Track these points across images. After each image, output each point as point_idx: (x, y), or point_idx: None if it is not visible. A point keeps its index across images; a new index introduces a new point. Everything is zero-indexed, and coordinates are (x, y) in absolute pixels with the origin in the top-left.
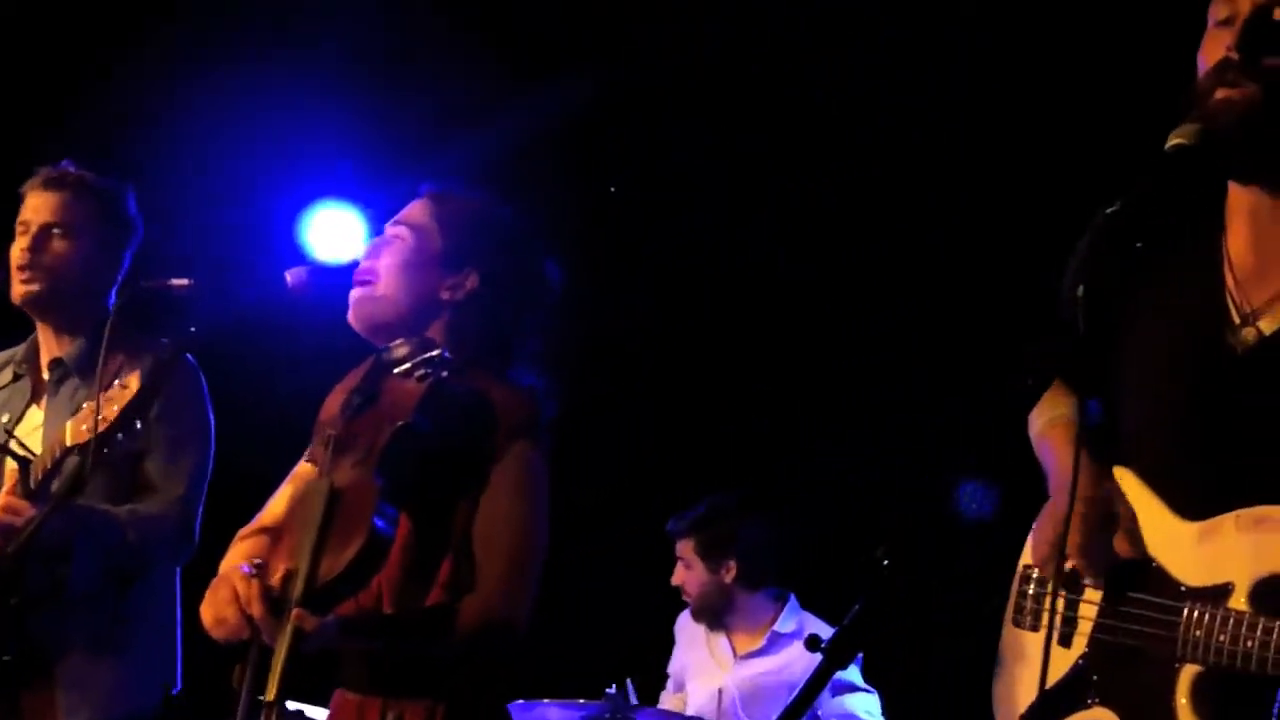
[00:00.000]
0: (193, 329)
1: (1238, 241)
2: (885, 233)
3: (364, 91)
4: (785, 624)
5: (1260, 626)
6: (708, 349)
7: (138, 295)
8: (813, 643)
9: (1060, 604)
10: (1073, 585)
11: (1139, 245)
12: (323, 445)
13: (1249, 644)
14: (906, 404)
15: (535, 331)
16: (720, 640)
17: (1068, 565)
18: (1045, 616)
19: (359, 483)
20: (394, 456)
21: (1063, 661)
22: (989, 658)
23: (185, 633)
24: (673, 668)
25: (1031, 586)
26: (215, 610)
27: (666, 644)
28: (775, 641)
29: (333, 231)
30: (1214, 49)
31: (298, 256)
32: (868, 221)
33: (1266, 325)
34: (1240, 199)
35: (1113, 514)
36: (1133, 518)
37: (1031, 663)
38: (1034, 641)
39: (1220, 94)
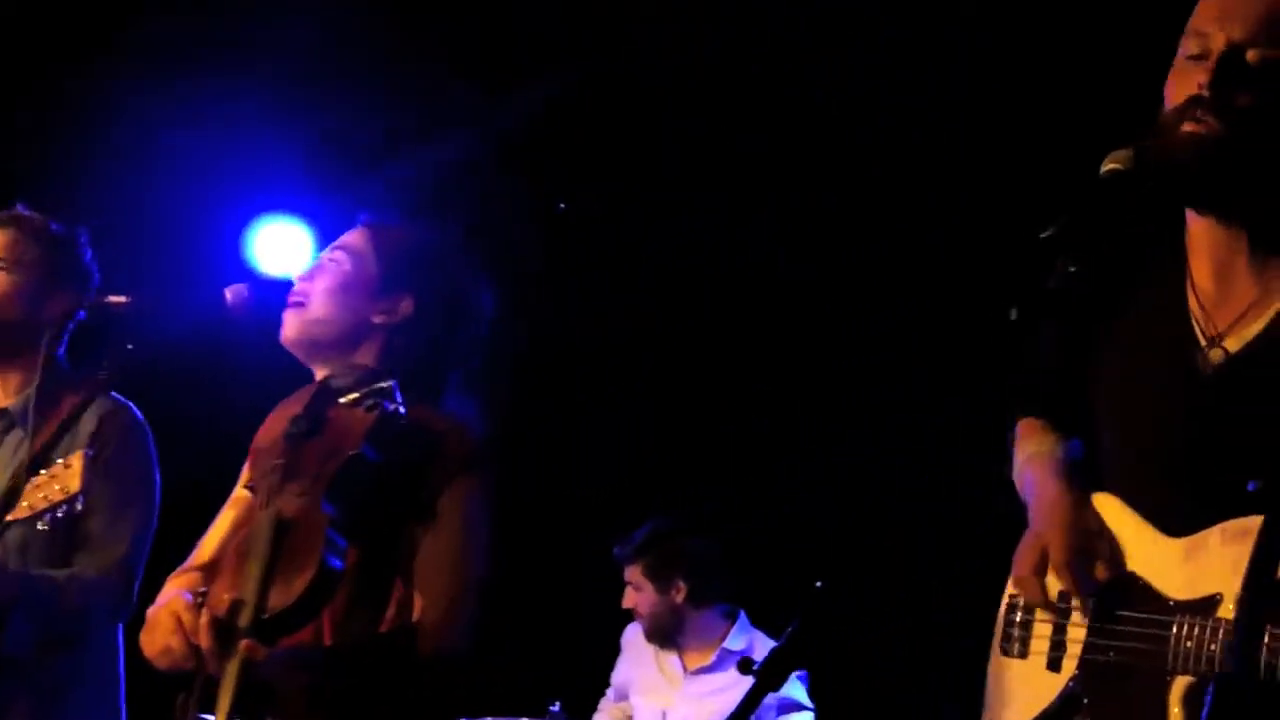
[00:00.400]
0: (130, 347)
1: (1200, 268)
2: (821, 271)
3: (311, 105)
4: (735, 641)
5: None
6: (649, 369)
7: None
8: (745, 665)
9: (1048, 629)
10: (1060, 610)
11: (1073, 269)
12: (265, 473)
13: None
14: (851, 421)
15: (469, 357)
16: (670, 657)
17: (1057, 587)
18: (1034, 644)
19: (306, 512)
20: (344, 486)
21: (1053, 686)
22: (933, 674)
23: (130, 687)
24: (616, 678)
25: (1018, 614)
26: (160, 640)
27: (611, 657)
28: (725, 658)
29: (280, 246)
30: (1183, 82)
31: (244, 271)
32: (814, 252)
33: (1232, 345)
34: (1200, 228)
35: (1094, 536)
36: (1113, 541)
37: (1021, 691)
38: (1022, 669)
39: (1187, 128)
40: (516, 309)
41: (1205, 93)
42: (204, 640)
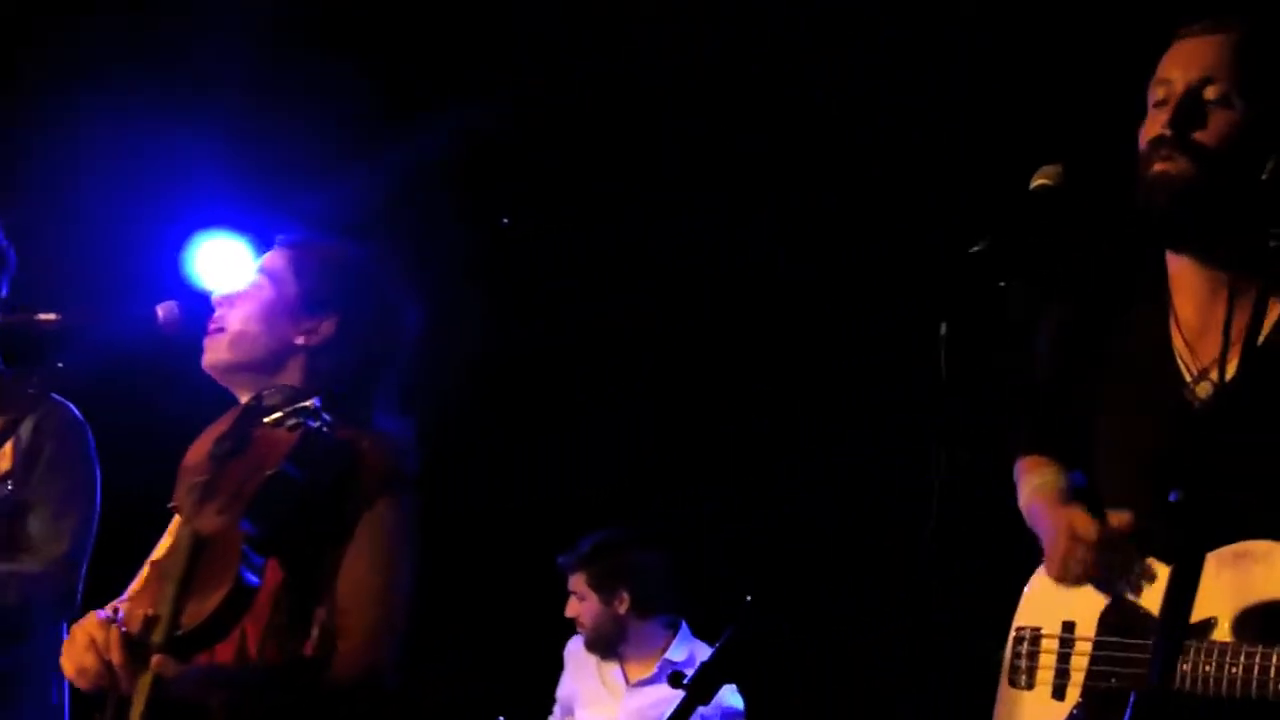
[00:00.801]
0: (60, 365)
1: (1184, 306)
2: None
3: (252, 119)
4: (677, 652)
5: (1244, 653)
6: (595, 380)
7: (2, 330)
8: (675, 679)
9: (1052, 659)
10: (1064, 639)
11: (1003, 284)
12: (186, 491)
13: (1234, 670)
14: (799, 435)
15: (395, 375)
16: (613, 669)
17: (1062, 617)
18: (1040, 674)
19: (224, 530)
20: (264, 504)
21: (1058, 714)
22: (867, 688)
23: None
24: (561, 693)
25: (1025, 646)
26: (75, 659)
27: (555, 671)
28: (667, 669)
29: (220, 262)
30: (1149, 128)
31: (184, 288)
32: (764, 264)
33: (1218, 375)
34: (1180, 267)
35: (1107, 555)
36: (1128, 560)
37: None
38: (1029, 699)
39: (1157, 168)
40: (453, 319)
41: (1167, 132)
42: (115, 656)
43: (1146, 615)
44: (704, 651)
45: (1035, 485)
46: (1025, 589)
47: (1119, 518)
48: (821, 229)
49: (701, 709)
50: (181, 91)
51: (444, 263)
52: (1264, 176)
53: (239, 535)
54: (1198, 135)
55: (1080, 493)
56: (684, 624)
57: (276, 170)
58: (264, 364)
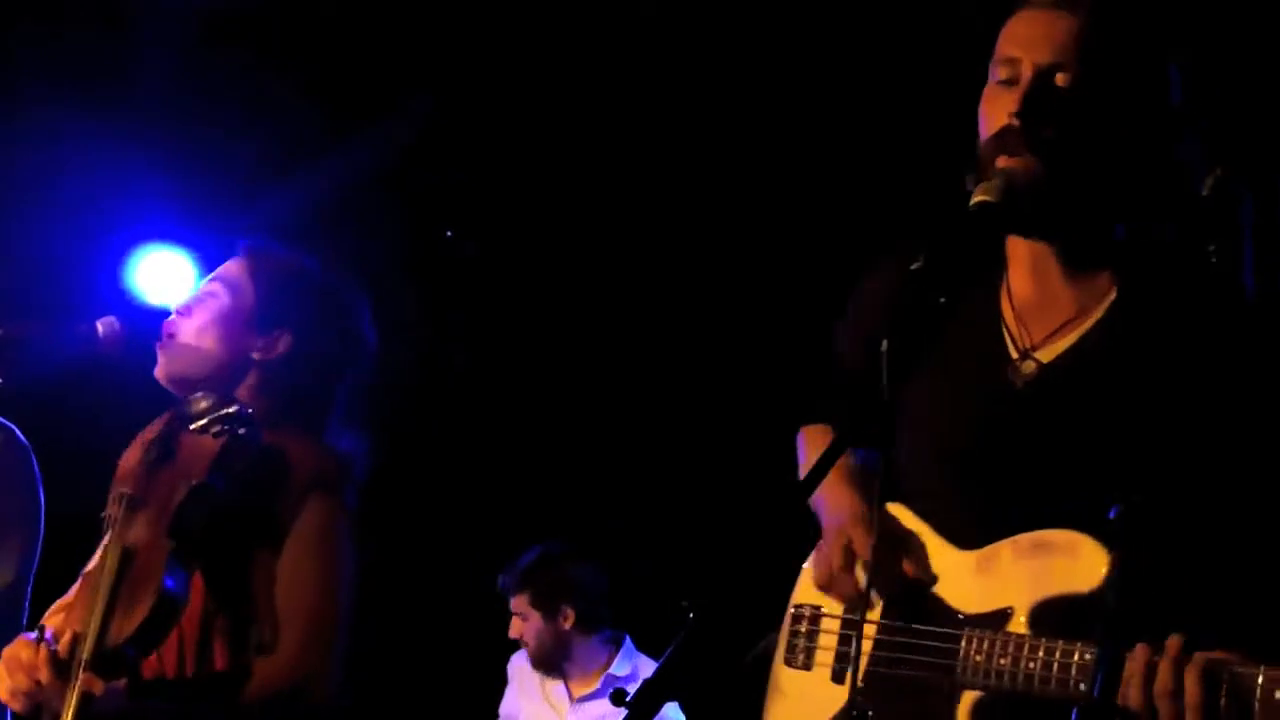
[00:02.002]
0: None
1: (1018, 281)
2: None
3: (192, 132)
4: (621, 667)
5: (1042, 648)
6: (529, 395)
7: None
8: (617, 697)
9: (833, 640)
10: (846, 621)
11: (943, 300)
12: (116, 502)
13: (1030, 665)
14: (731, 446)
15: (351, 390)
16: (556, 685)
17: (845, 597)
18: (819, 655)
19: (152, 542)
20: (187, 516)
21: (836, 698)
22: None
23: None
24: (504, 709)
25: (804, 625)
26: (8, 682)
27: (499, 688)
28: (610, 684)
29: (161, 275)
30: (994, 109)
31: (124, 300)
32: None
33: (1044, 357)
34: (1019, 244)
35: (893, 540)
36: (906, 550)
37: (804, 701)
38: (806, 680)
39: (1001, 162)
40: (395, 337)
41: (1015, 123)
42: (43, 676)
43: (935, 599)
44: (647, 666)
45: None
46: (805, 564)
47: (907, 556)
48: (760, 244)
49: None
50: (120, 105)
51: (383, 274)
52: (1204, 193)
53: (165, 548)
54: (1046, 127)
55: (867, 472)
56: (627, 639)
57: (217, 183)
58: (218, 377)
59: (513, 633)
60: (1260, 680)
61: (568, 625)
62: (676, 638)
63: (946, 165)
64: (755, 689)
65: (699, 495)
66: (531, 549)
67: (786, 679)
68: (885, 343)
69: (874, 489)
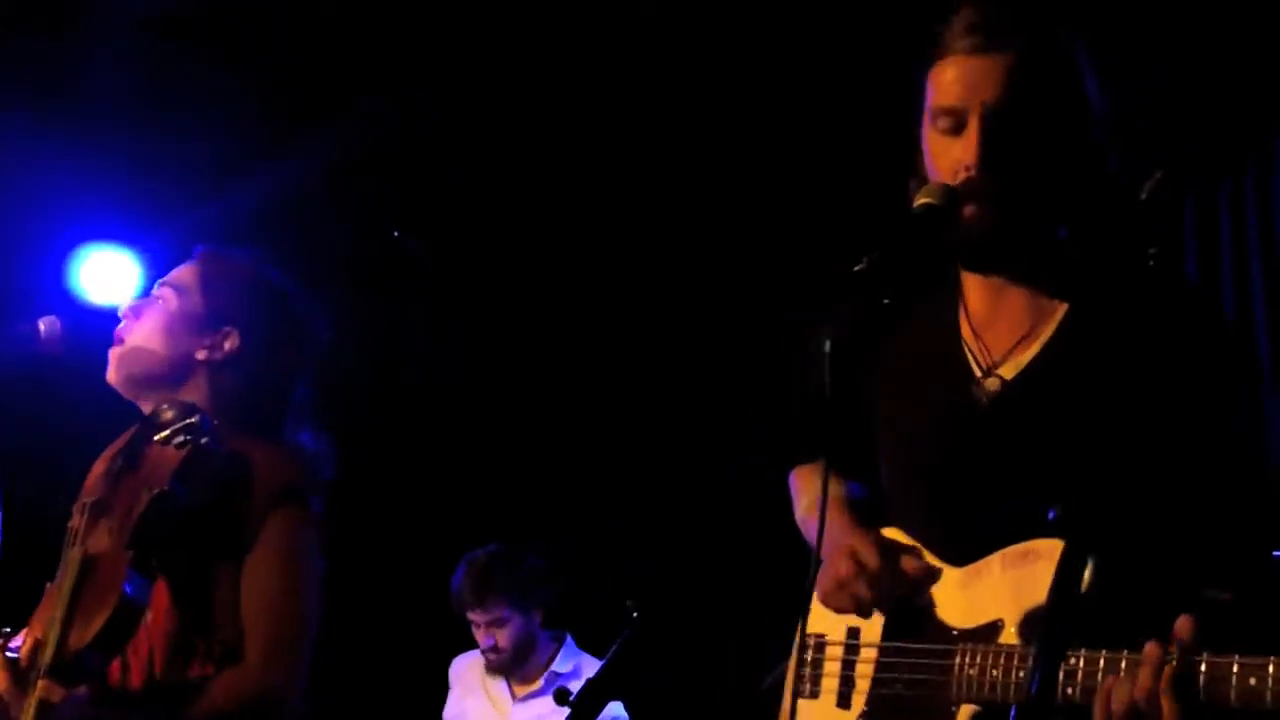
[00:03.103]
0: None
1: (973, 298)
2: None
3: (137, 132)
4: (563, 664)
5: (1031, 656)
6: (467, 397)
7: None
8: (561, 696)
9: (837, 666)
10: (849, 646)
11: (886, 301)
12: (80, 511)
13: (1021, 674)
14: (675, 446)
15: (303, 389)
16: (499, 684)
17: (848, 625)
18: (825, 682)
19: (113, 551)
20: (148, 525)
21: None
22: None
23: None
24: (448, 714)
25: (810, 654)
26: None
27: (441, 692)
28: (553, 682)
29: (105, 275)
30: (944, 156)
31: (68, 301)
32: (647, 275)
33: (1007, 373)
34: (974, 273)
35: (892, 549)
36: (913, 564)
37: None
38: (814, 708)
39: (968, 210)
40: (345, 338)
41: (974, 174)
42: (1, 683)
43: (929, 617)
44: (589, 664)
45: (812, 499)
46: (814, 594)
47: (911, 563)
48: (705, 247)
49: None
50: (64, 104)
51: (332, 274)
52: (1144, 195)
53: (126, 556)
54: (1005, 175)
55: (859, 504)
56: (569, 637)
57: (161, 183)
58: (166, 378)
59: (485, 642)
60: (1235, 669)
61: (538, 620)
62: (621, 637)
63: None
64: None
65: (641, 495)
66: (477, 555)
67: (797, 709)
68: (828, 343)
69: (866, 518)
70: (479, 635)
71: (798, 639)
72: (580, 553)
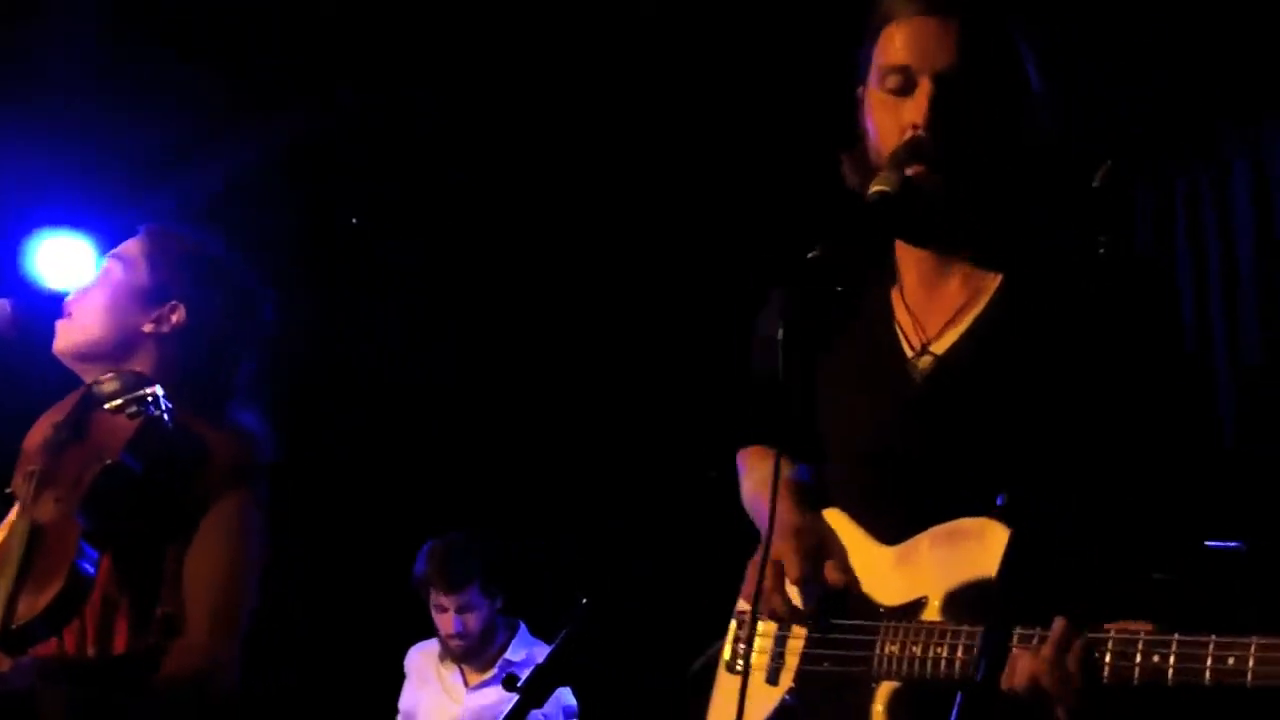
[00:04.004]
0: None
1: (909, 277)
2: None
3: (91, 116)
4: (516, 652)
5: (950, 633)
6: (418, 384)
7: None
8: (509, 682)
9: (769, 643)
10: (782, 623)
11: (840, 289)
12: (24, 479)
13: (939, 650)
14: (624, 434)
15: (248, 366)
16: (452, 672)
17: (783, 602)
18: (755, 658)
19: (61, 521)
20: (99, 496)
21: (771, 698)
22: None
23: None
24: (403, 705)
25: (743, 631)
26: None
27: (395, 680)
28: (506, 669)
29: (60, 259)
30: (890, 119)
31: (21, 285)
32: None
33: (939, 348)
34: (910, 250)
35: (822, 544)
36: (840, 554)
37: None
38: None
39: (910, 171)
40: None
41: (922, 135)
42: None
43: (859, 595)
44: (542, 651)
45: (759, 479)
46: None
47: (833, 573)
48: (656, 235)
49: (537, 710)
50: (19, 88)
51: (287, 259)
52: (1095, 184)
53: (75, 527)
54: (955, 139)
55: (806, 487)
56: (522, 625)
57: (116, 167)
58: (112, 351)
59: (449, 629)
60: (1140, 644)
61: (500, 604)
62: (570, 624)
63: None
64: (701, 698)
65: (591, 483)
66: (449, 538)
67: (728, 684)
68: (780, 330)
69: (812, 500)
70: (445, 620)
71: (733, 616)
72: (537, 542)
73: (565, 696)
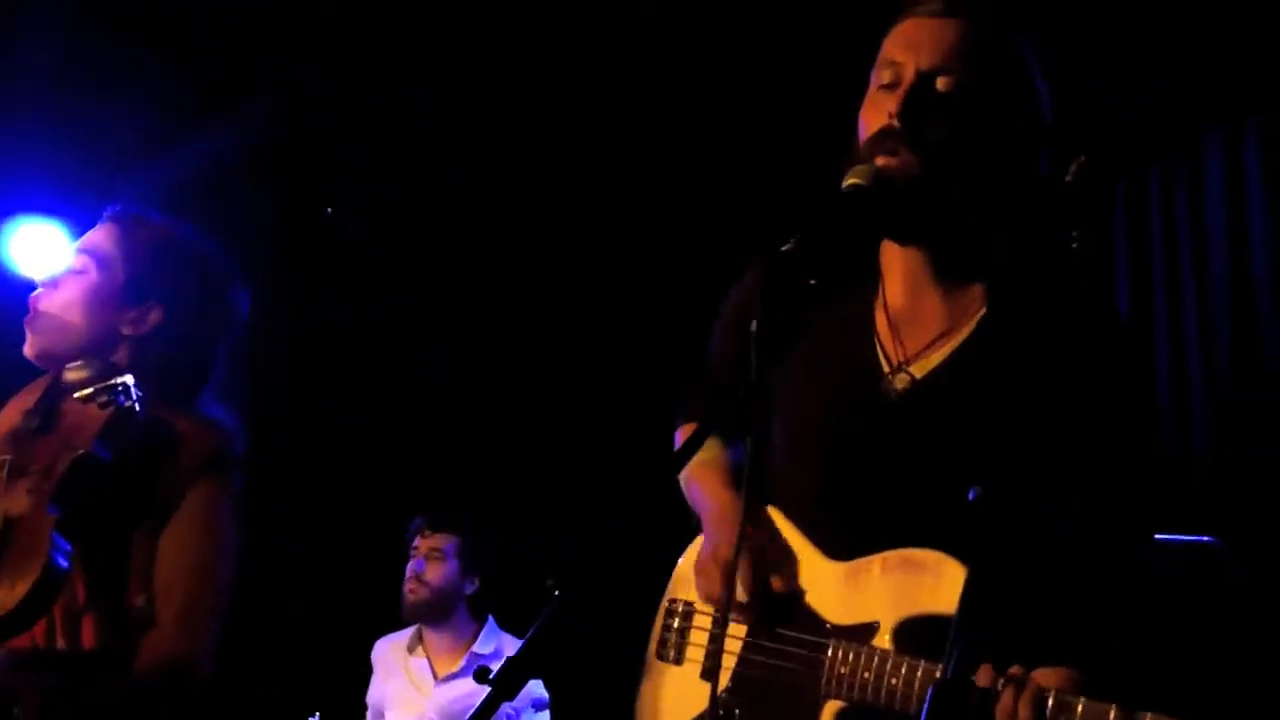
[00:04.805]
0: None
1: (894, 292)
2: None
3: (66, 104)
4: (484, 645)
5: (905, 665)
6: (392, 373)
7: None
8: (481, 675)
9: (704, 637)
10: (718, 619)
11: (812, 282)
12: None
13: (893, 681)
14: (594, 427)
15: (222, 362)
16: (420, 663)
17: (719, 595)
18: (690, 651)
19: (34, 512)
20: (73, 486)
21: (704, 694)
22: None
23: None
24: (371, 698)
25: (676, 620)
26: None
27: (364, 674)
28: (474, 662)
29: (34, 247)
30: (876, 112)
31: None
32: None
33: (917, 371)
34: (895, 254)
35: (766, 547)
36: (788, 552)
37: (673, 698)
38: (676, 675)
39: (880, 161)
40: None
41: (895, 123)
42: None
43: (804, 606)
44: (511, 644)
45: (699, 459)
46: (681, 560)
47: (778, 582)
48: (631, 226)
49: (508, 704)
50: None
51: (262, 250)
52: (1068, 179)
53: (48, 518)
54: (926, 129)
55: (740, 470)
56: (490, 618)
57: (90, 154)
58: (88, 351)
59: (414, 568)
60: (1080, 710)
61: (470, 591)
62: (541, 615)
63: (826, 169)
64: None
65: (562, 474)
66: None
67: (657, 671)
68: (754, 323)
69: (749, 488)
70: (411, 563)
71: (663, 602)
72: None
73: (536, 689)
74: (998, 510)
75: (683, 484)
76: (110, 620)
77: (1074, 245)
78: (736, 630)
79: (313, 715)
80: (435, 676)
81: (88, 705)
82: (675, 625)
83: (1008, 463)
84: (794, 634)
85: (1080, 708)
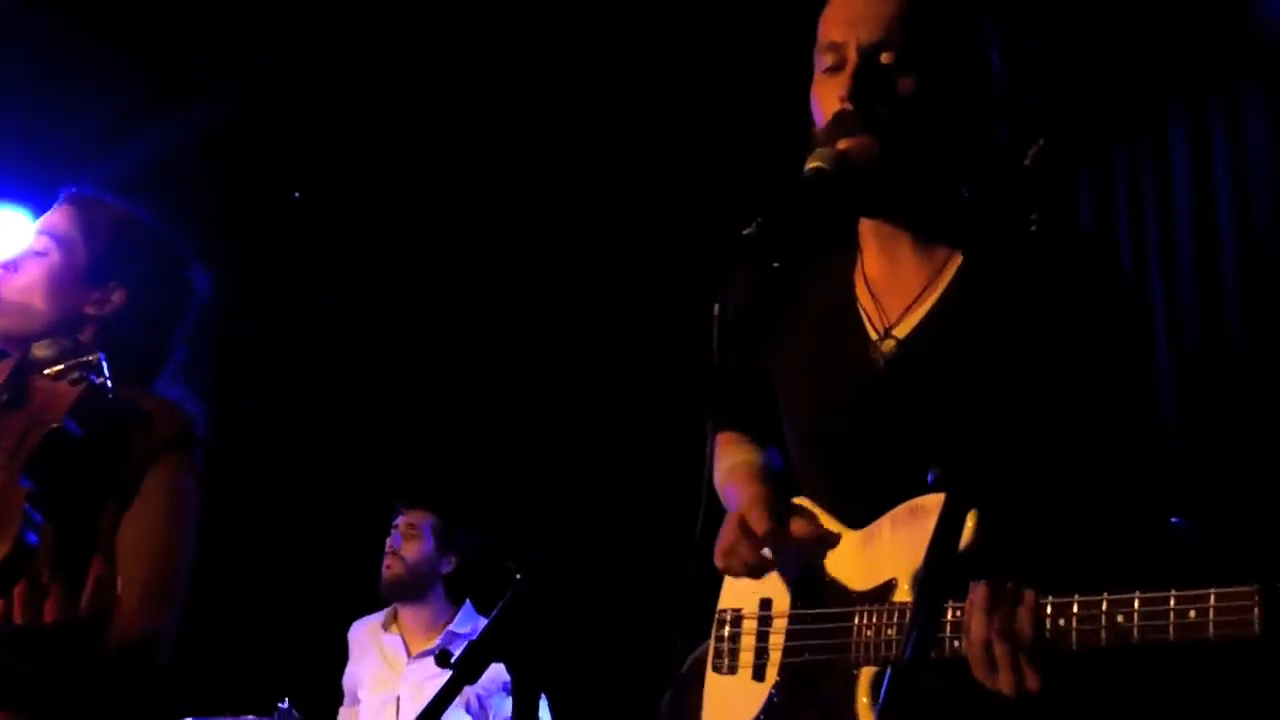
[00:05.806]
0: None
1: (871, 261)
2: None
3: (28, 90)
4: (461, 625)
5: (907, 619)
6: (364, 360)
7: None
8: (443, 658)
9: (752, 640)
10: (762, 618)
11: (776, 265)
12: None
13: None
14: (564, 413)
15: (182, 343)
16: (394, 640)
17: (759, 596)
18: (742, 656)
19: (6, 486)
20: (45, 460)
21: (759, 695)
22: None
23: None
24: (346, 681)
25: (727, 629)
26: None
27: (340, 657)
28: (451, 641)
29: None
30: (826, 96)
31: None
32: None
33: (901, 332)
34: (868, 225)
35: (785, 513)
36: (816, 527)
37: (731, 706)
38: (733, 685)
39: (841, 145)
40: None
41: (848, 105)
42: None
43: (832, 582)
44: None
45: (730, 464)
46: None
47: (801, 526)
48: (631, 226)
49: (471, 687)
50: None
51: (233, 235)
52: (1026, 163)
53: (20, 492)
54: (879, 106)
55: (776, 473)
56: (468, 601)
57: (53, 141)
58: (52, 333)
59: (392, 545)
60: (1076, 608)
61: (446, 570)
62: (504, 599)
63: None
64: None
65: (562, 474)
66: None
67: (715, 686)
68: (716, 306)
69: (781, 486)
70: (390, 539)
71: (716, 616)
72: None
73: (498, 673)
74: (957, 486)
75: (719, 489)
76: (72, 597)
77: (1032, 229)
78: (779, 623)
79: (281, 701)
80: (409, 654)
81: (48, 681)
82: (727, 634)
83: (1000, 409)
84: (824, 611)
85: (1076, 606)
